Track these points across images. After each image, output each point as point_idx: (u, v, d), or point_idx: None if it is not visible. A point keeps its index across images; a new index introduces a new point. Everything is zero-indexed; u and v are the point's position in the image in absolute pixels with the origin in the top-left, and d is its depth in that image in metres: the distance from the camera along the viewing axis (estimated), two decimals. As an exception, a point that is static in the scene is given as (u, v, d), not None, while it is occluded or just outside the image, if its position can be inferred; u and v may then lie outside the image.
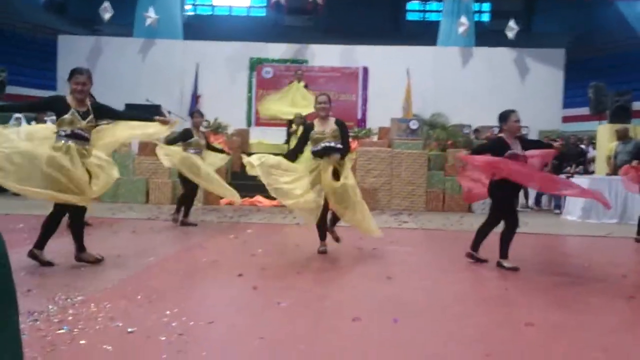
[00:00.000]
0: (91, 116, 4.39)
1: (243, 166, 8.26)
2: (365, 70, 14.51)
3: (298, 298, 3.88)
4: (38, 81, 15.16)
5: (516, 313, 3.69)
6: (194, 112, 7.99)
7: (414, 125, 11.06)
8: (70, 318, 3.10)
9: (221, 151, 8.15)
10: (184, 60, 14.68)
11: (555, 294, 4.25)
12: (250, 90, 14.79)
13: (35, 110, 4.68)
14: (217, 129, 12.31)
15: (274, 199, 8.25)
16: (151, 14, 14.57)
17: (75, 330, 2.90)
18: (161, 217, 8.36)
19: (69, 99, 4.35)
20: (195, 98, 14.27)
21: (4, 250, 1.94)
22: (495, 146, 5.17)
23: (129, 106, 11.49)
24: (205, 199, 10.49)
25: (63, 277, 4.16)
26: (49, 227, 4.44)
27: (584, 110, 12.89)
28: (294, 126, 11.01)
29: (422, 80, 13.58)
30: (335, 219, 5.65)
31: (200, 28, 19.14)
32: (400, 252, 5.89)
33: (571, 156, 11.56)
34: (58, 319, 3.07)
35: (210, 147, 7.87)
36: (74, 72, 4.36)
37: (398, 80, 13.36)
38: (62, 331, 2.87)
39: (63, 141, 4.29)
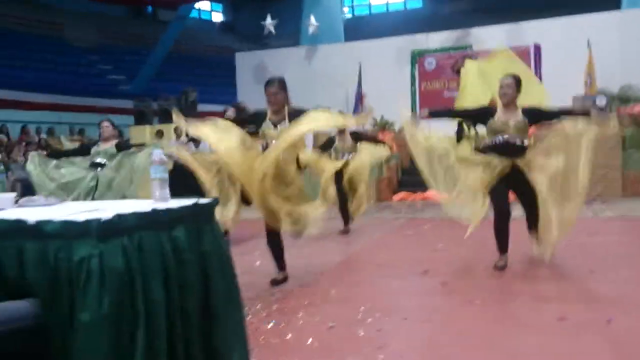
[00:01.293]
0: (284, 124, 4.19)
1: (412, 161, 7.87)
2: (537, 47, 13.47)
3: (491, 295, 3.71)
4: (222, 97, 16.65)
5: None
6: None
7: (601, 101, 9.99)
8: (275, 313, 3.33)
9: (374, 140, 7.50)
10: (346, 61, 14.99)
11: None
12: (413, 84, 14.62)
13: (244, 124, 4.85)
14: (385, 126, 12.35)
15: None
16: (313, 22, 15.15)
17: (282, 324, 3.10)
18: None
19: (269, 111, 4.28)
20: (359, 98, 14.52)
21: (230, 254, 2.14)
22: None
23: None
24: (377, 196, 10.59)
25: (262, 275, 4.43)
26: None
27: None
28: None
29: (605, 51, 12.23)
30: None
31: (359, 29, 19.47)
32: (600, 243, 5.35)
33: None
34: (265, 313, 3.31)
35: (366, 138, 7.27)
36: (265, 84, 4.30)
37: (576, 54, 12.20)
38: (270, 325, 3.09)
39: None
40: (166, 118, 14.46)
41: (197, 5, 23.43)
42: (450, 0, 20.25)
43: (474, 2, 21.07)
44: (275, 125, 4.18)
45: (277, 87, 4.19)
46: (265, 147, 4.13)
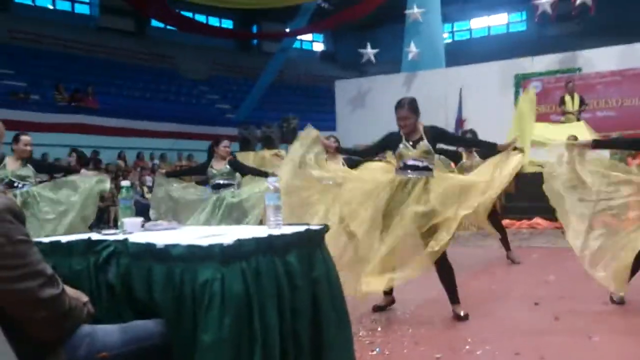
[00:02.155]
0: (423, 142, 3.97)
1: (518, 187, 7.28)
2: (656, 69, 12.57)
3: (612, 332, 3.44)
4: (322, 124, 16.95)
5: None
6: None
7: None
8: (379, 340, 3.28)
9: None
10: (446, 87, 14.79)
11: None
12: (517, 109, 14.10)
13: (374, 153, 4.59)
14: (487, 151, 11.97)
15: (554, 219, 7.18)
16: (413, 48, 15.13)
17: (386, 352, 3.05)
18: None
19: (401, 131, 4.05)
20: (459, 123, 14.23)
21: (339, 280, 2.15)
22: None
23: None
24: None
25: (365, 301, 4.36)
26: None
27: None
28: None
29: None
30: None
31: (460, 54, 19.17)
32: None
33: None
34: (369, 340, 3.28)
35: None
36: (396, 106, 4.01)
37: (703, 74, 11.22)
38: (374, 353, 3.05)
39: (401, 176, 4.00)
40: (268, 144, 14.95)
41: (299, 36, 24.24)
42: (557, 22, 19.38)
43: (583, 24, 20.06)
44: (413, 145, 3.96)
45: (407, 110, 3.93)
46: (405, 167, 3.96)
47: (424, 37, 15.51)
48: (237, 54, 24.53)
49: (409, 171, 3.93)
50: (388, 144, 4.16)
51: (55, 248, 1.94)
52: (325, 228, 2.19)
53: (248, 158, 13.72)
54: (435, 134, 4.02)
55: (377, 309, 4.07)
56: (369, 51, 16.08)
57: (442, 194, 3.84)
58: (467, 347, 3.13)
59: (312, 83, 23.84)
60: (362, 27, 23.52)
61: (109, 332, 1.62)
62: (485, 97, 14.23)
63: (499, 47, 20.48)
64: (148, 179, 14.18)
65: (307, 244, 2.06)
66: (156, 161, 15.80)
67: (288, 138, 15.66)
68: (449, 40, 24.49)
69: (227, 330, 1.64)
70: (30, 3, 20.71)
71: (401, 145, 3.97)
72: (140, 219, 2.27)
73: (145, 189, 13.73)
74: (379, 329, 3.56)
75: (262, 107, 20.09)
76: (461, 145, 6.06)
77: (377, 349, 3.12)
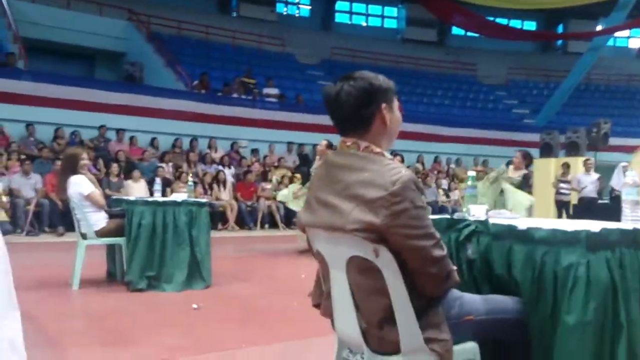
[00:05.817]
0: None
1: None
2: None
3: None
4: (638, 129, 15.07)
5: None
6: None
7: None
8: None
9: None
10: None
11: None
12: None
13: None
14: None
15: None
16: None
17: None
18: None
19: None
20: None
21: None
22: None
23: None
24: None
25: None
26: None
27: None
28: None
29: None
30: None
31: None
32: None
33: None
34: None
35: None
36: None
37: None
38: None
39: None
40: (573, 151, 13.89)
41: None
42: None
43: None
44: None
45: None
46: None
47: None
48: (537, 56, 23.39)
49: None
50: None
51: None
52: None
53: (549, 164, 13.05)
54: None
55: None
56: None
57: None
58: None
59: (626, 83, 21.24)
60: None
61: (473, 299, 1.80)
62: None
63: None
64: (444, 182, 14.62)
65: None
66: (452, 165, 16.18)
67: (596, 144, 14.24)
68: None
69: (592, 314, 1.66)
70: (348, 22, 23.38)
71: None
72: (485, 206, 2.41)
73: (441, 192, 14.20)
74: None
75: (566, 111, 18.78)
76: None
77: None
